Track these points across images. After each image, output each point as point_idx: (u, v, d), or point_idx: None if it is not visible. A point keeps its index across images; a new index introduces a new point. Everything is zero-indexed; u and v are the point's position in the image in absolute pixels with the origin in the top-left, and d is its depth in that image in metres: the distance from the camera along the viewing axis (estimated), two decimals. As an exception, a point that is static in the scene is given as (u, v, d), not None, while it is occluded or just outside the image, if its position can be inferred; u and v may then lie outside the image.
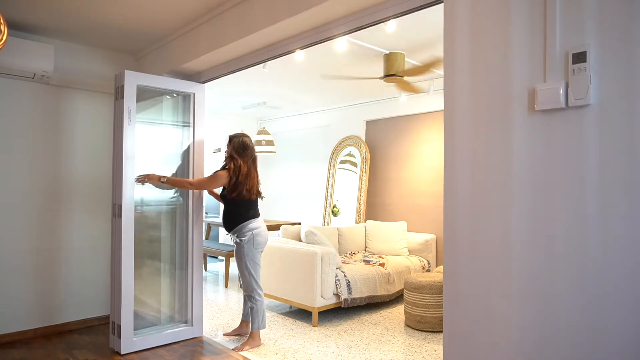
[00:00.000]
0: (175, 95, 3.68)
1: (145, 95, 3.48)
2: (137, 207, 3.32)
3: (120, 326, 3.12)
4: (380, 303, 4.54)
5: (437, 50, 3.76)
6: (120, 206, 3.14)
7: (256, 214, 3.40)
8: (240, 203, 3.32)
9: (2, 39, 2.19)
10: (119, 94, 3.23)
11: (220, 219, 6.91)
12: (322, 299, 3.90)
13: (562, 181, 1.50)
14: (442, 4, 1.89)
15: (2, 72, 3.27)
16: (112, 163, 3.33)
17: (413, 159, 5.41)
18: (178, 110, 3.72)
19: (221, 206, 6.00)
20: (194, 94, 3.60)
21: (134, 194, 3.21)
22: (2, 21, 2.18)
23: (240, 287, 3.54)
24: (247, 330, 3.56)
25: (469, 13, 1.77)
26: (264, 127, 6.34)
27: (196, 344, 3.39)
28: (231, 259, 5.56)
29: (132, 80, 3.20)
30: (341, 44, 3.50)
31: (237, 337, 3.58)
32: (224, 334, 3.61)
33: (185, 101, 3.66)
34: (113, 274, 3.23)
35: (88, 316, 3.82)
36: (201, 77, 3.65)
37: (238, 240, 3.31)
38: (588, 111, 1.45)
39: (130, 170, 3.19)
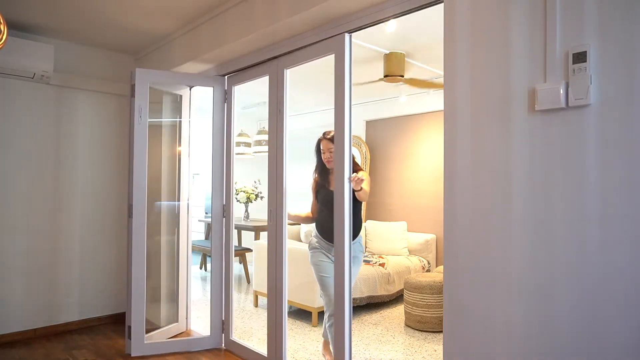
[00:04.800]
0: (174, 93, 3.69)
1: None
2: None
3: (130, 327, 3.08)
4: (380, 303, 4.54)
5: (438, 51, 3.75)
6: (132, 206, 3.09)
7: None
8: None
9: (1, 38, 2.19)
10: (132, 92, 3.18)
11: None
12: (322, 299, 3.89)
13: (562, 181, 1.50)
14: (442, 4, 1.89)
15: (2, 72, 3.26)
16: (128, 163, 3.23)
17: (413, 159, 5.40)
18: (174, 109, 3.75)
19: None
20: (181, 95, 3.65)
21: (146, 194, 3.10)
22: (2, 21, 2.18)
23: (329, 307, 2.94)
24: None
25: (469, 13, 1.77)
26: (264, 127, 6.32)
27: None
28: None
29: (144, 78, 3.14)
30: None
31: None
32: None
33: (180, 101, 3.70)
34: (128, 276, 3.14)
35: (88, 316, 3.82)
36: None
37: (364, 247, 2.84)
38: (588, 111, 1.45)
39: (141, 170, 3.09)
